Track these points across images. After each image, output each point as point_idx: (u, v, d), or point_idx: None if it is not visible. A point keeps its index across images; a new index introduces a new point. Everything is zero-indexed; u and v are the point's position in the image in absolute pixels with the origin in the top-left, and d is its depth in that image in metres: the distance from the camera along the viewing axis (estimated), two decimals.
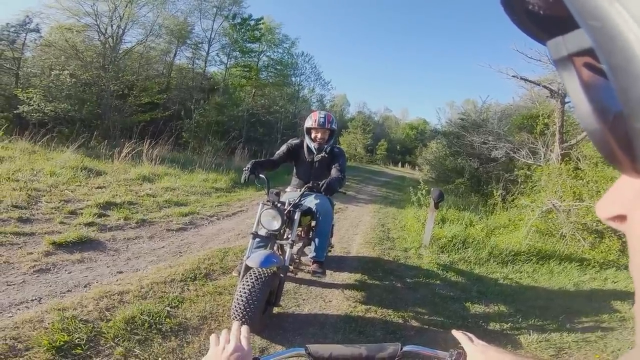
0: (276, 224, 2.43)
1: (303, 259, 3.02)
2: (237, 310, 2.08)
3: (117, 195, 5.04)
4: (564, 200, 5.98)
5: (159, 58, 15.04)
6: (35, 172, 5.29)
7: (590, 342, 2.65)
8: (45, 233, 3.33)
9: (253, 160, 2.75)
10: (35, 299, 2.27)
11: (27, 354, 1.73)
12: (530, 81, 8.20)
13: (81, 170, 5.87)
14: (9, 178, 4.75)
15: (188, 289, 2.70)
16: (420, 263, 4.22)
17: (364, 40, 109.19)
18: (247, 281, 2.13)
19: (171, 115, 12.81)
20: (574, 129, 8.81)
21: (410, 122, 46.88)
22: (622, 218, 0.21)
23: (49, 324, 1.97)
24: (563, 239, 5.74)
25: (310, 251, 2.92)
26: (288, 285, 2.97)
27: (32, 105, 9.14)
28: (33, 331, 1.89)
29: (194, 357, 1.97)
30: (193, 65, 16.24)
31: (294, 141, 3.17)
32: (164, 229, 4.13)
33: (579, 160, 7.08)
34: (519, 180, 8.34)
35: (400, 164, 34.20)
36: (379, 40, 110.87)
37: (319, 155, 3.00)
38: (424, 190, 5.94)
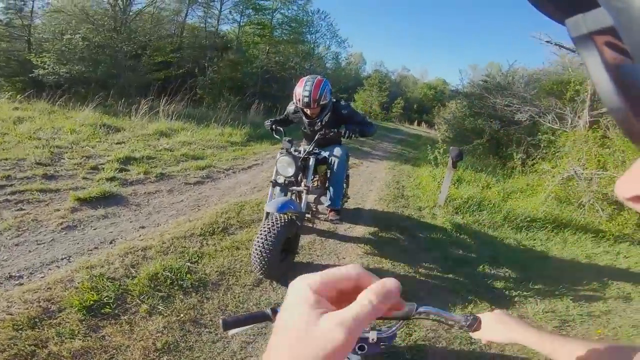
0: (290, 170, 2.53)
1: (320, 207, 3.10)
2: (255, 256, 2.24)
3: (136, 150, 5.14)
4: (587, 168, 5.78)
5: (170, 18, 14.81)
6: (55, 131, 5.39)
7: (594, 316, 2.64)
8: (69, 189, 3.44)
9: (273, 118, 3.00)
10: (65, 258, 2.37)
11: (60, 316, 1.82)
12: (565, 47, 7.75)
13: (100, 127, 5.97)
14: (30, 137, 4.86)
15: (207, 244, 2.80)
16: (434, 223, 4.23)
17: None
18: (265, 226, 2.26)
19: (185, 72, 12.80)
20: None
21: (429, 82, 45.13)
22: None
23: (78, 283, 2.06)
24: (581, 208, 5.62)
25: (326, 200, 3.00)
26: (303, 240, 3.05)
27: (47, 68, 9.27)
28: (65, 291, 1.98)
29: (212, 313, 2.06)
30: (205, 24, 15.84)
31: (290, 108, 3.06)
32: (182, 183, 4.23)
33: (608, 128, 6.74)
34: (542, 145, 8.07)
35: (416, 123, 33.62)
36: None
37: (319, 130, 2.85)
38: (441, 149, 5.81)
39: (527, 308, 2.64)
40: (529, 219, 4.67)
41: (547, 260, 3.76)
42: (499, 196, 5.52)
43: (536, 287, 2.97)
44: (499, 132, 10.64)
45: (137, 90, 10.72)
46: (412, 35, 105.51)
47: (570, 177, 5.95)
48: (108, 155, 4.64)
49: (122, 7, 11.33)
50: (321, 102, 2.69)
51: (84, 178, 3.81)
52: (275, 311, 0.75)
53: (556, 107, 8.43)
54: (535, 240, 4.25)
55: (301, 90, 2.65)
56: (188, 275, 2.33)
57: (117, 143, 5.43)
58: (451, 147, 4.71)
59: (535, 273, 3.28)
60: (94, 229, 2.84)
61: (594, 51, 0.18)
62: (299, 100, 2.67)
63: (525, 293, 2.83)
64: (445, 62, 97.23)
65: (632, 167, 0.22)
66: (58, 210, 3.00)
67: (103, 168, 4.16)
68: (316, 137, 2.68)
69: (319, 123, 2.88)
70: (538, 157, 7.79)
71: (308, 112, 2.77)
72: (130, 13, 11.90)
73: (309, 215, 3.01)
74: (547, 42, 7.63)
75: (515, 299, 2.75)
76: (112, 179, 3.89)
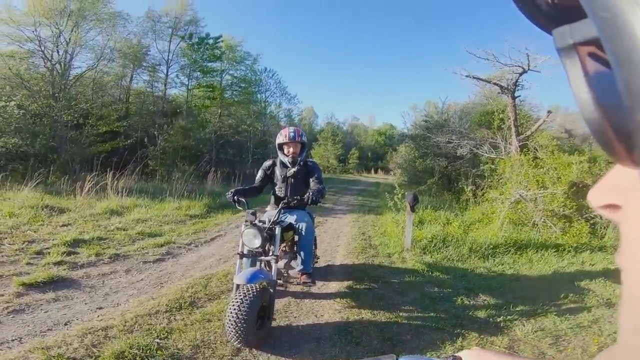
0: (257, 242, 2.55)
1: (291, 272, 3.07)
2: (229, 327, 2.15)
3: (84, 231, 4.77)
4: (529, 190, 6.30)
5: (114, 83, 14.39)
6: None
7: (584, 327, 2.68)
8: (12, 275, 3.12)
9: (235, 188, 2.97)
10: (16, 339, 2.17)
11: None
12: (481, 79, 8.73)
13: (42, 209, 5.53)
14: None
15: (175, 319, 2.59)
16: (405, 266, 4.25)
17: (324, 52, 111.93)
18: (236, 298, 2.20)
19: (134, 143, 12.20)
20: (527, 121, 9.39)
21: (378, 129, 47.87)
22: (614, 207, 0.22)
23: None
24: (535, 227, 6.01)
25: (297, 265, 3.02)
26: (278, 304, 2.92)
27: None
28: None
29: None
30: (152, 88, 15.58)
31: (267, 163, 3.33)
32: (140, 262, 3.94)
33: (537, 150, 7.53)
34: (486, 175, 8.71)
35: (373, 171, 34.78)
36: (340, 49, 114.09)
37: (292, 170, 3.13)
38: (399, 195, 6.06)
39: (515, 331, 2.64)
40: (492, 246, 4.89)
41: (520, 281, 3.87)
42: (460, 230, 5.75)
43: (517, 309, 3.01)
44: (447, 168, 11.36)
45: (81, 165, 9.91)
46: (354, 81, 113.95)
47: (517, 200, 6.42)
48: (53, 239, 4.26)
49: (60, 71, 10.67)
50: (303, 139, 3.12)
51: (27, 264, 3.44)
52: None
53: (488, 136, 9.28)
54: (503, 265, 4.41)
55: (287, 129, 3.15)
56: (159, 352, 2.11)
57: (62, 225, 5.01)
58: (406, 193, 4.98)
59: (512, 295, 3.36)
60: (45, 312, 2.56)
61: (576, 61, 0.19)
62: (286, 135, 3.08)
63: (509, 317, 2.85)
64: (388, 105, 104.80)
65: (603, 177, 0.23)
66: (2, 295, 2.72)
67: (48, 252, 3.79)
68: (280, 206, 2.78)
69: (296, 167, 3.12)
70: (486, 186, 8.36)
71: (291, 149, 3.09)
72: (70, 78, 11.21)
73: (280, 281, 3.02)
74: (467, 76, 8.54)
75: (501, 324, 2.75)
76: (59, 263, 3.54)
